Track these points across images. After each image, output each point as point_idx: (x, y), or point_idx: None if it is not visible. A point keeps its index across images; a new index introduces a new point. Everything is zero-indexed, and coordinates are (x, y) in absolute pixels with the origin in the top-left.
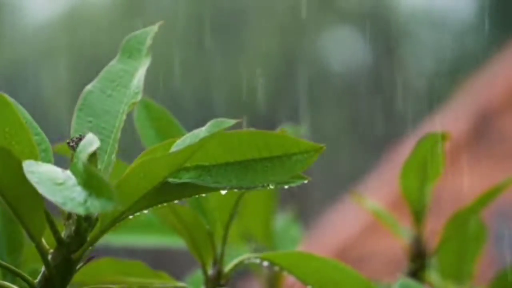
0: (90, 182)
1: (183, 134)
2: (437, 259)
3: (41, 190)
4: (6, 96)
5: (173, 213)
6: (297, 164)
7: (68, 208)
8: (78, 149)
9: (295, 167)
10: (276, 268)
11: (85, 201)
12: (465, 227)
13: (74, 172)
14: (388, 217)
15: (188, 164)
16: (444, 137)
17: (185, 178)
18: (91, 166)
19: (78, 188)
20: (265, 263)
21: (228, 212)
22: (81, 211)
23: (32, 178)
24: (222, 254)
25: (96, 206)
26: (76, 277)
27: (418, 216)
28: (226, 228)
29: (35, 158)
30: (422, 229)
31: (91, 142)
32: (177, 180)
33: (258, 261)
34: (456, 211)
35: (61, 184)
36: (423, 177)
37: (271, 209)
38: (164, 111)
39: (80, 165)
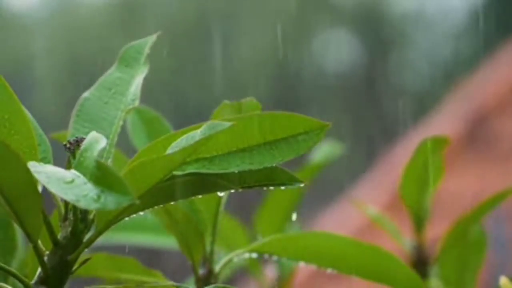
0: (103, 178)
1: None
2: (439, 267)
3: (53, 189)
4: (3, 78)
5: (165, 211)
6: (303, 144)
7: (82, 205)
8: (83, 148)
9: (302, 146)
10: (278, 259)
11: (99, 197)
12: (466, 234)
13: (81, 171)
14: (388, 224)
15: (187, 159)
16: (443, 142)
17: (189, 169)
18: (103, 162)
19: (89, 186)
20: (254, 255)
21: (213, 211)
22: (95, 207)
23: (41, 178)
24: (211, 253)
25: (111, 201)
26: None
27: (418, 223)
28: (214, 227)
29: (34, 151)
30: (423, 236)
31: (97, 140)
32: (180, 172)
33: (247, 255)
34: (457, 219)
35: (70, 182)
36: (423, 184)
37: (286, 219)
38: (156, 115)
39: (89, 163)
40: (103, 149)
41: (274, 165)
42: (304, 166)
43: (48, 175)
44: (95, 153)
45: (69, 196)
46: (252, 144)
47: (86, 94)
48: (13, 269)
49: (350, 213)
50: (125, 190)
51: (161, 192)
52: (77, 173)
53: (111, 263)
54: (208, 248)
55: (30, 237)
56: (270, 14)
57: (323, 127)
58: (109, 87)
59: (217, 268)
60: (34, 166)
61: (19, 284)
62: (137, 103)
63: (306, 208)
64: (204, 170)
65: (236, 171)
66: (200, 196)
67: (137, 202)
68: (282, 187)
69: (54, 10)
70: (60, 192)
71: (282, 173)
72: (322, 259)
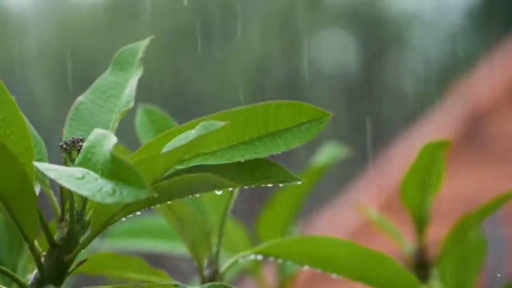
0: (117, 171)
1: None
2: (439, 269)
3: (66, 184)
4: None
5: (172, 212)
6: (307, 132)
7: (97, 199)
8: (89, 144)
9: (306, 135)
10: (283, 262)
11: (114, 191)
12: (466, 237)
13: (89, 167)
14: (389, 226)
15: (186, 156)
16: (445, 145)
17: (193, 163)
18: (117, 156)
19: (101, 181)
20: (259, 257)
21: (220, 213)
22: (112, 200)
23: (52, 175)
24: (217, 254)
25: (127, 195)
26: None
27: (420, 226)
28: (221, 228)
29: (30, 151)
30: (425, 239)
31: (105, 136)
32: (184, 166)
33: (252, 257)
34: (458, 221)
35: (82, 178)
36: (425, 187)
37: (289, 222)
38: (164, 114)
39: (99, 158)
40: (116, 144)
41: (279, 152)
42: (308, 168)
43: (58, 172)
44: (106, 148)
45: (83, 191)
46: (254, 137)
47: (81, 98)
48: (20, 268)
49: (346, 215)
50: (141, 183)
51: (157, 192)
52: (86, 170)
53: (117, 262)
54: (214, 249)
55: (26, 237)
56: (266, 14)
57: (326, 116)
58: (104, 91)
59: (222, 269)
60: (41, 165)
61: (16, 284)
62: (131, 105)
63: (303, 209)
64: (209, 163)
65: (242, 160)
66: (198, 195)
67: (155, 195)
68: (280, 184)
69: (51, 9)
70: (74, 187)
71: (280, 170)
72: (327, 264)
